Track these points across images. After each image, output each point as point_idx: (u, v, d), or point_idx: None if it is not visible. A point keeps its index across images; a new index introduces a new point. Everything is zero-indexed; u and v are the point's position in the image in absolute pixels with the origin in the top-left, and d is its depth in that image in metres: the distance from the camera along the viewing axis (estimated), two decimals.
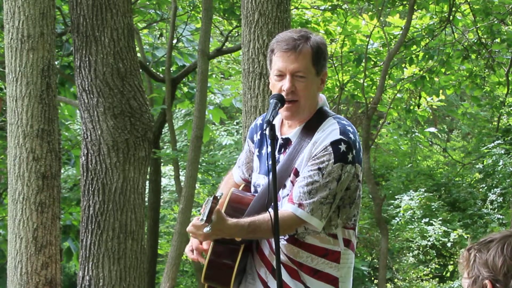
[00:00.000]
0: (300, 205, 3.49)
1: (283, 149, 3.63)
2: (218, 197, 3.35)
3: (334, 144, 3.49)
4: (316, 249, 3.57)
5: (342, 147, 3.49)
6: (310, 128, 3.59)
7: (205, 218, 3.31)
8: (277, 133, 3.66)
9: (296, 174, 3.55)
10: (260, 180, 3.71)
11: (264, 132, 3.58)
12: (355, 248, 3.70)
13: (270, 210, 3.49)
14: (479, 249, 2.58)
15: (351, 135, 3.53)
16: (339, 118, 3.61)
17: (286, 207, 3.49)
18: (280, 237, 3.48)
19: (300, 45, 3.55)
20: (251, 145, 3.85)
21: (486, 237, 2.63)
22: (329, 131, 3.53)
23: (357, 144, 3.55)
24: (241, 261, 3.57)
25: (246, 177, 3.88)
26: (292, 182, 3.56)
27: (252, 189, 3.78)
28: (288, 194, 3.55)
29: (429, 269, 16.55)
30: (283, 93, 3.56)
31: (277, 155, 3.62)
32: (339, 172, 3.48)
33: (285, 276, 3.55)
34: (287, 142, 3.64)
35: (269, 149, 3.41)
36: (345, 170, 3.49)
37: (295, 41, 3.56)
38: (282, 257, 3.54)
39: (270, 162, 3.42)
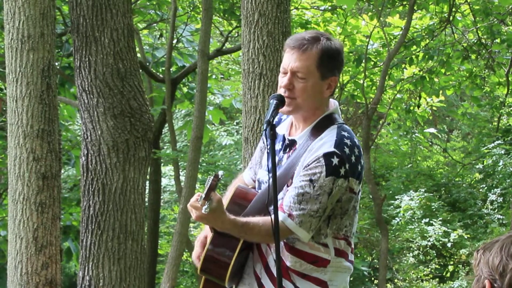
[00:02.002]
0: (289, 215, 3.46)
1: (288, 149, 3.62)
2: (220, 176, 3.32)
3: (327, 156, 3.43)
4: (305, 255, 3.55)
5: (335, 160, 3.43)
6: (314, 134, 3.55)
7: (204, 196, 3.31)
8: (285, 132, 3.65)
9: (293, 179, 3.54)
10: (263, 177, 3.70)
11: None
12: (349, 255, 3.64)
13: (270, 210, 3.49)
14: (485, 249, 2.60)
15: (346, 149, 3.45)
16: (341, 128, 3.54)
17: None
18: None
19: (306, 45, 3.51)
20: (265, 142, 3.81)
21: (495, 238, 2.64)
22: (324, 141, 3.48)
23: (353, 158, 3.46)
24: (239, 256, 3.55)
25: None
26: (288, 186, 3.54)
27: (256, 184, 3.77)
28: (282, 198, 3.53)
29: (429, 269, 16.54)
30: (282, 91, 3.55)
31: (281, 154, 3.61)
32: (331, 186, 3.43)
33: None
34: (292, 143, 3.61)
35: (270, 147, 3.40)
36: (337, 184, 3.44)
37: (303, 41, 3.52)
38: (274, 257, 3.54)
39: (270, 160, 3.41)
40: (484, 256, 2.57)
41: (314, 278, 3.57)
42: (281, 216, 3.45)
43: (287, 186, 3.54)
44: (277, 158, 3.56)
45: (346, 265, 3.63)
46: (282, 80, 3.56)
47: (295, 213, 3.46)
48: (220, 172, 3.35)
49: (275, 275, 3.52)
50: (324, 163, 3.43)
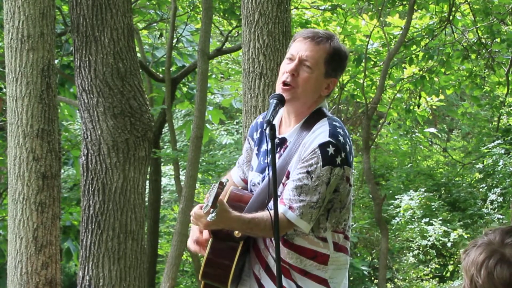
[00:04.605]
0: (290, 207, 3.49)
1: (278, 148, 3.63)
2: (224, 183, 3.33)
3: (322, 146, 3.47)
4: (305, 251, 3.57)
5: (330, 150, 3.46)
6: (304, 129, 3.58)
7: (210, 204, 3.30)
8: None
9: (288, 176, 3.55)
10: (256, 179, 3.71)
11: (264, 131, 3.57)
12: (349, 250, 3.67)
13: (269, 208, 3.50)
14: (466, 253, 2.64)
15: (341, 138, 3.50)
16: (331, 120, 3.58)
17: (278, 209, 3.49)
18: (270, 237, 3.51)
19: (321, 39, 3.57)
20: (252, 143, 3.85)
21: (474, 240, 2.67)
22: (318, 133, 3.51)
23: (347, 147, 3.51)
24: (239, 260, 3.56)
25: (245, 177, 3.87)
26: (283, 184, 3.56)
27: (249, 187, 3.77)
28: (279, 195, 3.54)
29: (429, 269, 16.55)
30: (285, 76, 3.56)
31: None
32: (328, 175, 3.46)
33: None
34: (283, 141, 3.63)
35: (269, 147, 3.40)
36: (334, 173, 3.47)
37: (318, 34, 3.59)
38: (274, 255, 3.55)
39: (268, 161, 3.42)
40: (465, 261, 2.62)
41: (315, 276, 3.58)
42: (282, 208, 3.48)
43: (283, 185, 3.55)
44: (268, 158, 3.57)
45: (345, 259, 3.65)
46: (287, 66, 3.58)
47: (295, 205, 3.48)
48: (224, 179, 3.37)
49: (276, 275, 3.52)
50: (320, 154, 3.47)
